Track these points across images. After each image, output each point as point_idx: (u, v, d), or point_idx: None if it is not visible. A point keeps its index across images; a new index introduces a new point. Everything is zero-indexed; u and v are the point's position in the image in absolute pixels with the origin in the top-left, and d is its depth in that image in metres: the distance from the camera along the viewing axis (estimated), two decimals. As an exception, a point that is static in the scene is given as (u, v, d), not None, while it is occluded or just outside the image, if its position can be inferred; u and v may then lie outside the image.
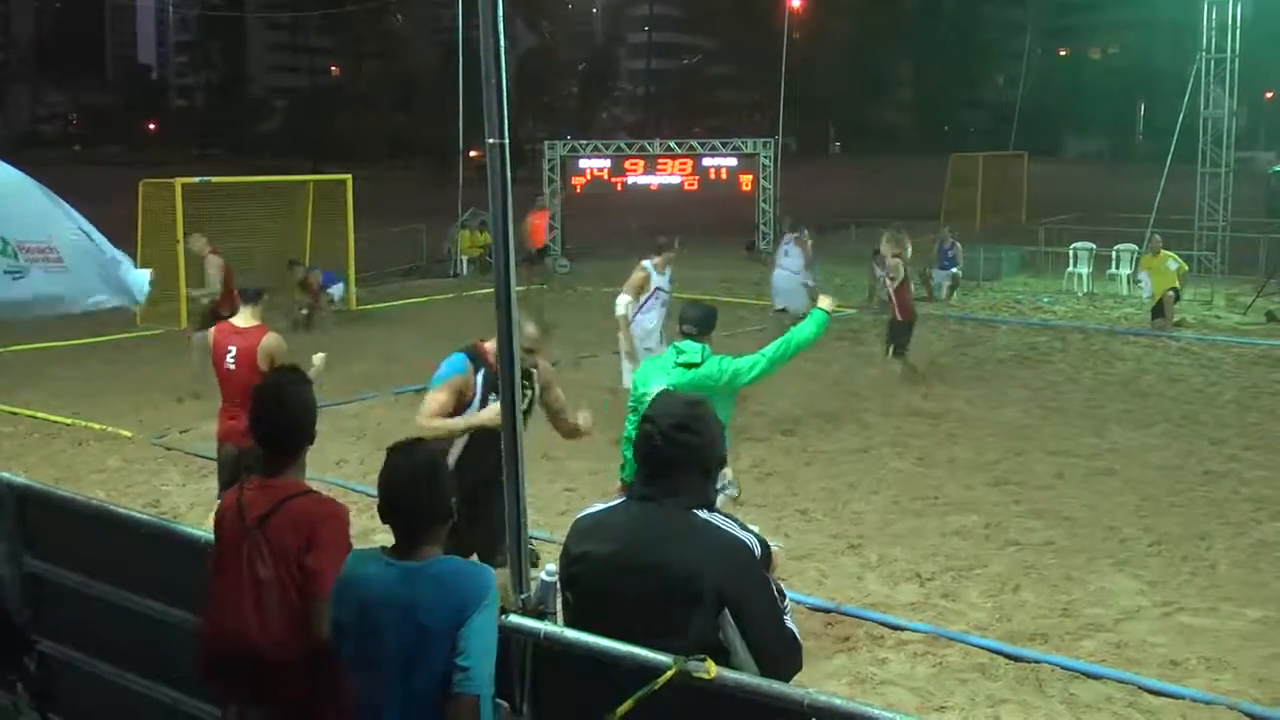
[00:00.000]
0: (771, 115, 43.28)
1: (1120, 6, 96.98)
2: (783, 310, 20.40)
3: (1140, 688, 7.16)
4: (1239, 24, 27.15)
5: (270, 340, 9.10)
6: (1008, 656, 7.62)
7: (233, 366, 9.09)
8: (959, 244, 24.33)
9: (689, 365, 7.46)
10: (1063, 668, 7.45)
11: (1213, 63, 27.26)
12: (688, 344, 7.59)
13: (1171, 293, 20.14)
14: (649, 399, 6.85)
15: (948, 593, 8.75)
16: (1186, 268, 21.02)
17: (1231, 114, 27.91)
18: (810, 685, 6.52)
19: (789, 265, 20.84)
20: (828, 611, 8.29)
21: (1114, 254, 25.33)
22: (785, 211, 26.81)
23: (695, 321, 7.71)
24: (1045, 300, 23.46)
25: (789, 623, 4.00)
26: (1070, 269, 25.43)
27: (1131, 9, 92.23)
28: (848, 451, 12.66)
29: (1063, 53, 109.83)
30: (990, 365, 17.60)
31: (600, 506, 4.17)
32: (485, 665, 3.90)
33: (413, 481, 4.07)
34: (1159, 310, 19.82)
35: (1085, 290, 24.83)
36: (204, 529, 5.05)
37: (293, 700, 4.41)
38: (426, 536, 4.05)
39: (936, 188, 40.54)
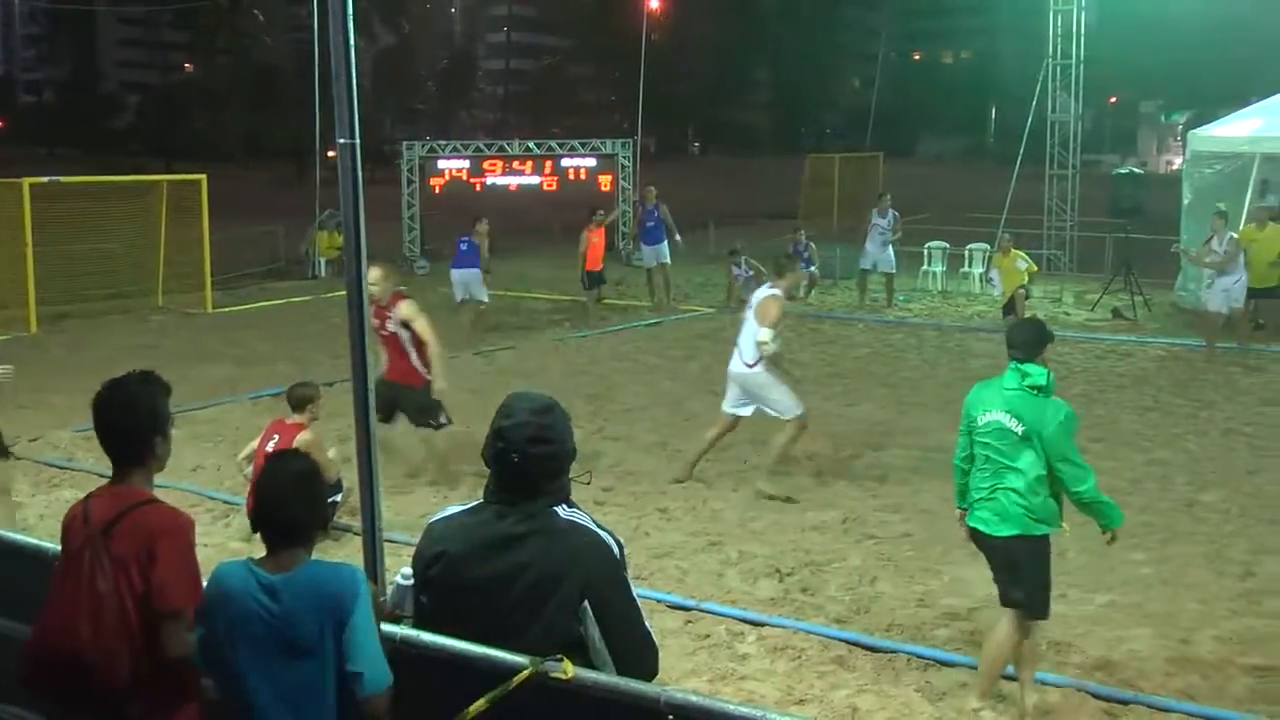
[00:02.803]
0: (631, 116, 43.46)
1: (972, 13, 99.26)
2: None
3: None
4: (1083, 32, 27.91)
5: None
6: (865, 648, 7.75)
7: None
8: (814, 244, 24.64)
9: (1038, 388, 6.72)
10: (918, 656, 7.61)
11: (1059, 68, 27.98)
12: (1031, 367, 6.74)
13: (1022, 290, 20.62)
14: (982, 425, 6.86)
15: (807, 587, 8.86)
16: (1036, 267, 21.53)
17: (1077, 118, 28.68)
18: (670, 683, 6.57)
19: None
20: (687, 609, 8.34)
21: (967, 253, 25.88)
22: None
23: (1024, 345, 6.88)
24: (901, 299, 23.89)
25: (646, 623, 4.02)
26: (925, 267, 25.92)
27: (982, 16, 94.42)
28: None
29: (917, 57, 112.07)
30: (848, 363, 17.86)
31: (457, 508, 4.15)
32: (378, 662, 3.88)
33: (290, 490, 4.01)
34: (1010, 308, 20.26)
35: (939, 288, 25.34)
36: (54, 541, 4.89)
37: (117, 716, 4.27)
38: (300, 544, 3.99)
39: (794, 188, 41.04)
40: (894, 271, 23.33)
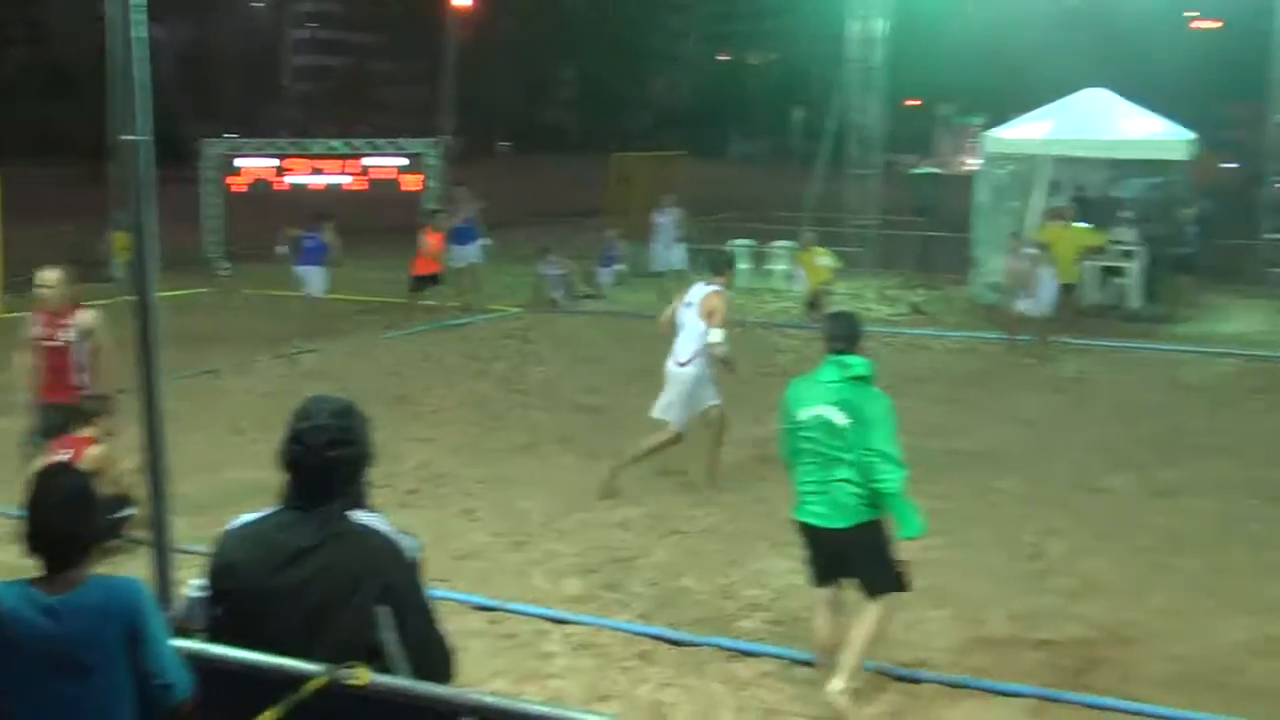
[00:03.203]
0: (438, 115, 43.07)
1: (777, 16, 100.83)
2: None
3: (794, 661, 7.45)
4: (882, 36, 28.59)
5: None
6: (670, 642, 7.80)
7: None
8: (621, 242, 24.76)
9: (861, 378, 6.75)
10: (722, 648, 7.68)
11: (859, 71, 28.61)
12: (851, 358, 6.79)
13: (824, 287, 21.06)
14: (804, 421, 6.79)
15: (611, 584, 8.88)
16: (838, 264, 22.00)
17: (877, 120, 29.36)
18: (475, 684, 6.52)
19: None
20: (491, 610, 8.28)
21: (771, 251, 26.28)
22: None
23: (845, 337, 6.94)
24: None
25: (442, 627, 3.97)
26: (731, 265, 26.20)
27: (787, 19, 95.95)
28: (514, 449, 12.69)
29: (724, 58, 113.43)
30: (654, 359, 17.91)
31: (252, 516, 4.03)
32: (180, 668, 3.81)
33: (60, 507, 3.84)
34: (813, 304, 20.67)
35: (745, 285, 25.65)
36: None
37: None
38: (77, 563, 3.83)
39: (602, 187, 41.13)
40: (686, 269, 23.49)
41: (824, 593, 7.06)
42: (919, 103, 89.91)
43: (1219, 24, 75.09)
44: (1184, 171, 23.91)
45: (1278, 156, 26.12)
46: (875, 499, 6.65)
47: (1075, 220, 19.99)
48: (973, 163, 39.02)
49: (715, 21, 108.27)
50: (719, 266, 11.77)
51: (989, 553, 9.61)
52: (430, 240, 20.77)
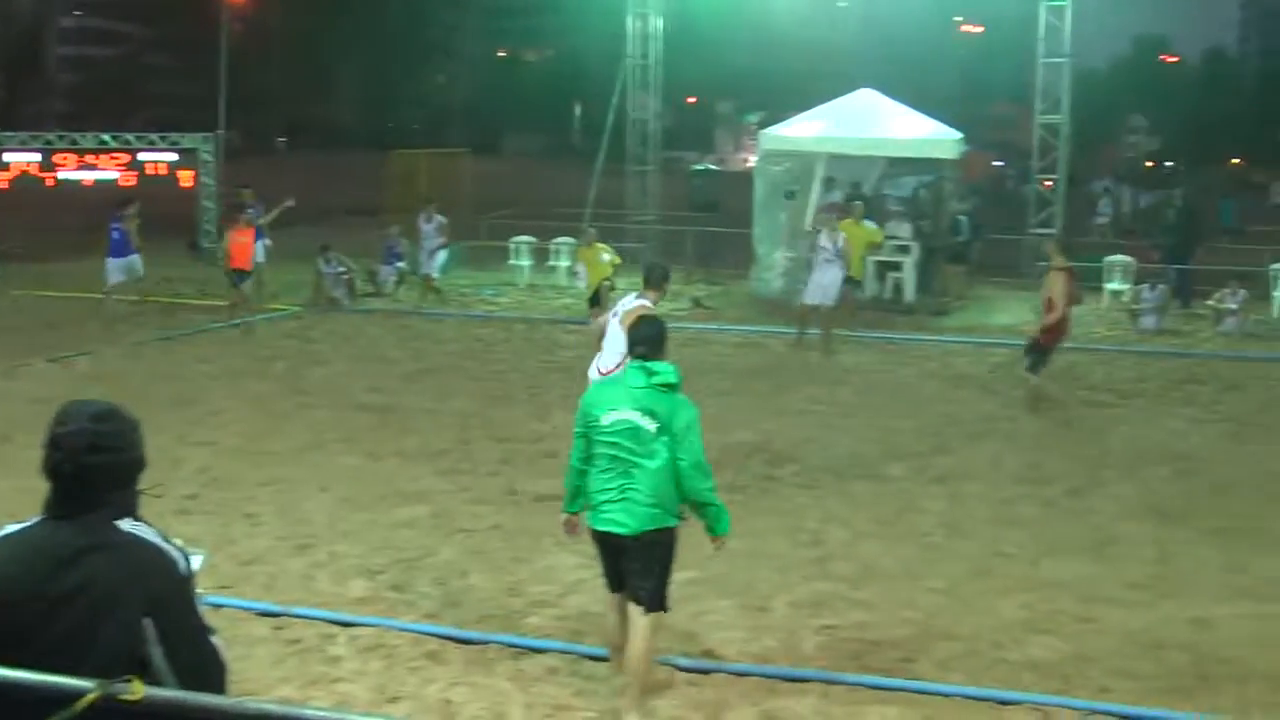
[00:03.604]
0: (213, 109, 41.92)
1: (555, 12, 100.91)
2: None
3: (581, 656, 7.48)
4: (660, 34, 28.91)
5: None
6: (457, 641, 7.74)
7: None
8: (404, 240, 24.48)
9: (668, 385, 6.63)
10: (510, 645, 7.66)
11: (639, 68, 28.87)
12: (658, 364, 6.70)
13: (607, 283, 21.16)
14: (607, 425, 6.60)
15: (397, 584, 8.76)
16: (620, 259, 22.13)
17: (656, 116, 29.69)
18: (260, 691, 6.37)
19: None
20: (276, 615, 8.08)
21: (552, 247, 26.33)
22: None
23: (649, 341, 6.84)
24: (489, 293, 24.06)
25: (214, 639, 3.85)
26: (512, 262, 26.20)
27: (564, 15, 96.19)
28: (296, 450, 12.43)
29: (502, 54, 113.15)
30: (437, 357, 17.84)
31: (13, 526, 3.84)
32: None
33: None
34: (596, 300, 20.75)
35: (527, 282, 25.66)
36: None
37: None
38: None
39: (381, 185, 40.54)
40: (436, 276, 23.38)
41: (617, 599, 7.02)
42: (698, 100, 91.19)
43: (983, 29, 78.24)
44: (953, 169, 24.83)
45: (1041, 155, 27.30)
46: (671, 506, 6.65)
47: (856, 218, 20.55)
48: (752, 159, 39.72)
49: (493, 16, 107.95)
50: (655, 279, 10.80)
51: (771, 541, 9.80)
52: (239, 236, 20.10)
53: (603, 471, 6.70)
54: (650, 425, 6.55)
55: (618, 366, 10.30)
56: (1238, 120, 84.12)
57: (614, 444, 6.63)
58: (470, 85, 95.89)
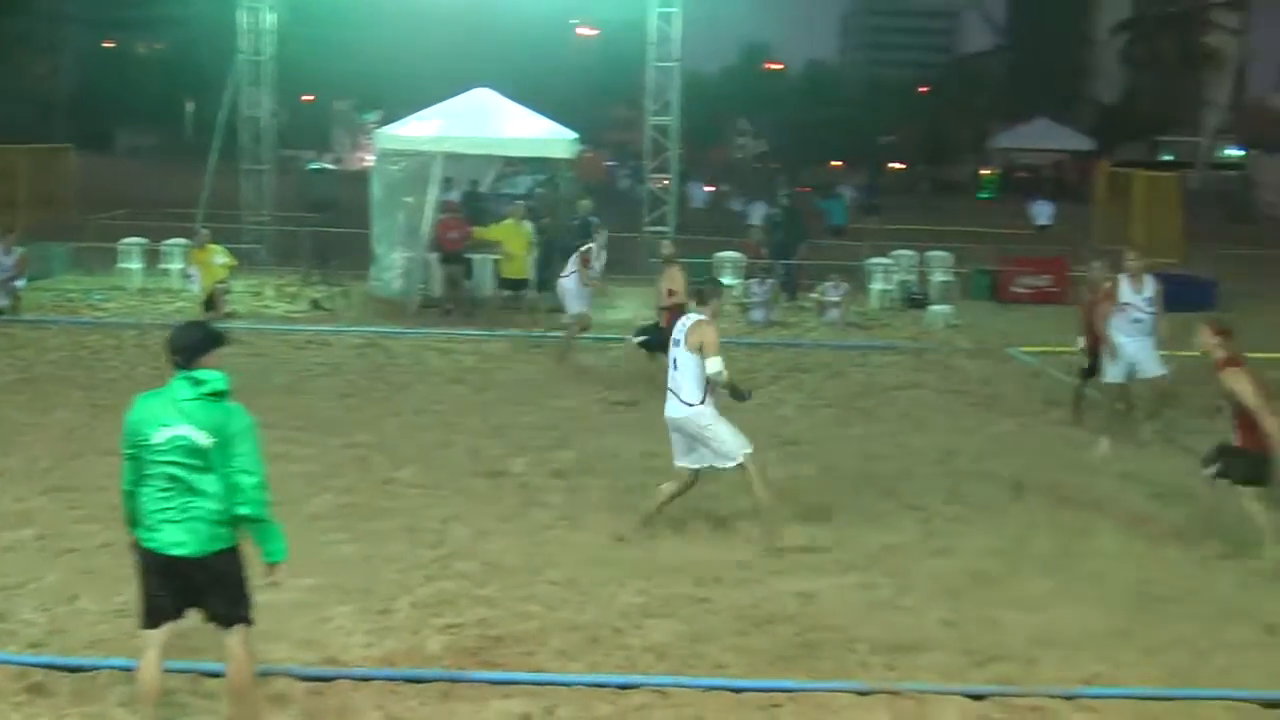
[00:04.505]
0: None
1: (166, 3, 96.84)
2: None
3: (202, 674, 7.23)
4: (273, 28, 28.24)
5: None
6: (63, 669, 7.38)
7: None
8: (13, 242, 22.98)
9: (218, 394, 6.16)
10: (123, 670, 7.29)
11: (251, 64, 28.10)
12: (204, 373, 6.23)
13: (222, 285, 20.60)
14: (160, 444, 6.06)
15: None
16: (235, 261, 21.58)
17: (271, 114, 28.97)
18: None
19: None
20: None
21: (164, 249, 25.33)
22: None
23: (187, 349, 6.37)
24: (98, 298, 22.95)
25: None
26: (122, 265, 25.04)
27: (175, 6, 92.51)
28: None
29: (110, 45, 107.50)
30: (40, 368, 16.89)
31: None
32: None
33: None
34: (210, 303, 20.16)
35: (138, 286, 24.56)
36: None
37: None
38: None
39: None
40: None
41: (158, 635, 6.51)
42: (315, 98, 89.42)
43: (599, 32, 79.94)
44: (568, 169, 25.36)
45: (653, 155, 28.24)
46: (236, 523, 6.33)
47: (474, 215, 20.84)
48: (369, 159, 39.34)
49: (100, 6, 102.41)
50: (707, 295, 10.47)
51: (392, 543, 9.82)
52: None
53: (162, 491, 6.26)
54: (204, 439, 6.19)
55: (704, 393, 9.97)
56: (837, 125, 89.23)
57: (171, 462, 6.23)
58: (76, 78, 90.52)
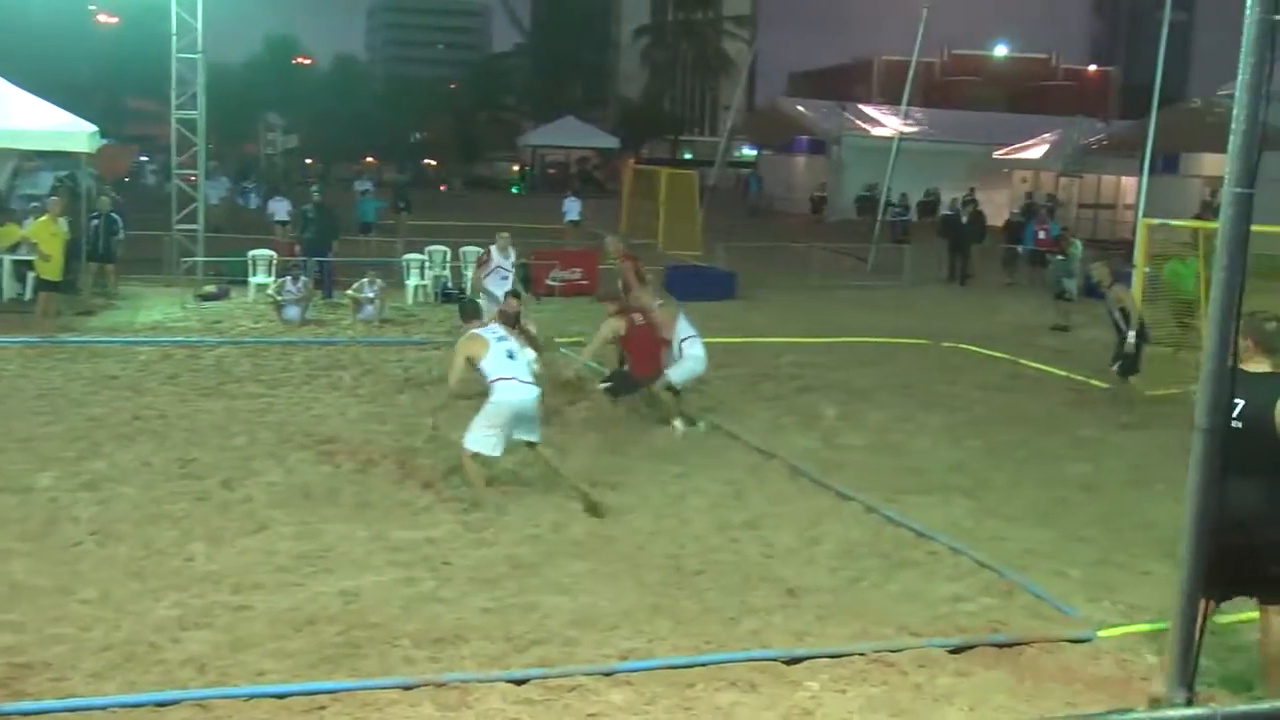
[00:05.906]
0: None
1: None
2: None
3: None
4: None
5: None
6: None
7: None
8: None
9: None
10: None
11: None
12: None
13: None
14: None
15: None
16: None
17: None
18: None
19: None
20: None
21: None
22: None
23: None
24: None
25: None
26: None
27: None
28: None
29: None
30: None
31: None
32: None
33: None
34: None
35: None
36: None
37: None
38: None
39: None
40: None
41: None
42: None
43: (120, 20, 76.00)
44: (90, 163, 24.13)
45: (181, 150, 27.28)
46: None
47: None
48: None
49: None
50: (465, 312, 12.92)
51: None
52: None
53: None
54: None
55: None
56: (368, 121, 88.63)
57: None
58: None
